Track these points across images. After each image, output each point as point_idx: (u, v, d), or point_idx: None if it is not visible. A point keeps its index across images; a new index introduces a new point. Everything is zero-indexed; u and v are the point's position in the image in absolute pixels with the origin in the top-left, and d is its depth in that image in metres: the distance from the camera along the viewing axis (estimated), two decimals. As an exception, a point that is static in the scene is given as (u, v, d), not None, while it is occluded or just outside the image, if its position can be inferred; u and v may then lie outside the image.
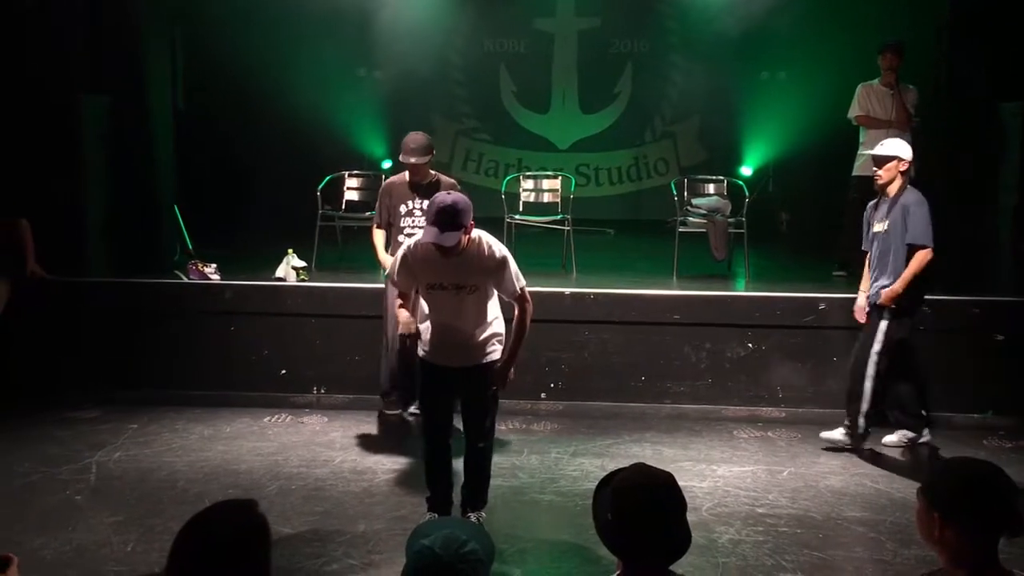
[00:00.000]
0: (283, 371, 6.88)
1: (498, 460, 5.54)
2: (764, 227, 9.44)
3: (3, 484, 5.16)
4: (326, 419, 6.43)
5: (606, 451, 5.88)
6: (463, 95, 11.26)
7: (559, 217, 8.16)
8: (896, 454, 5.87)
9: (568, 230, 8.04)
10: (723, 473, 5.52)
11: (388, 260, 6.06)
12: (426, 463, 4.66)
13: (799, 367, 6.76)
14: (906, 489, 5.12)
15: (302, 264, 7.26)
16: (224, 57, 9.39)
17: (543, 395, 6.82)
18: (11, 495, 5.02)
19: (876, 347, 5.69)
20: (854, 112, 7.93)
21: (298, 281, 7.14)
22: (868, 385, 5.70)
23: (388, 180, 6.40)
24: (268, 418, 6.44)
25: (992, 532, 2.29)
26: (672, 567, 2.24)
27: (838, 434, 5.85)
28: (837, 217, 8.34)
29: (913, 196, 5.72)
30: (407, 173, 6.19)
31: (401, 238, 6.19)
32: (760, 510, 4.95)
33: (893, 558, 4.39)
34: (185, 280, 7.29)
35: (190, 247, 8.33)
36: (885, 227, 5.70)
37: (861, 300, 5.89)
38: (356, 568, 4.24)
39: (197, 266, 7.29)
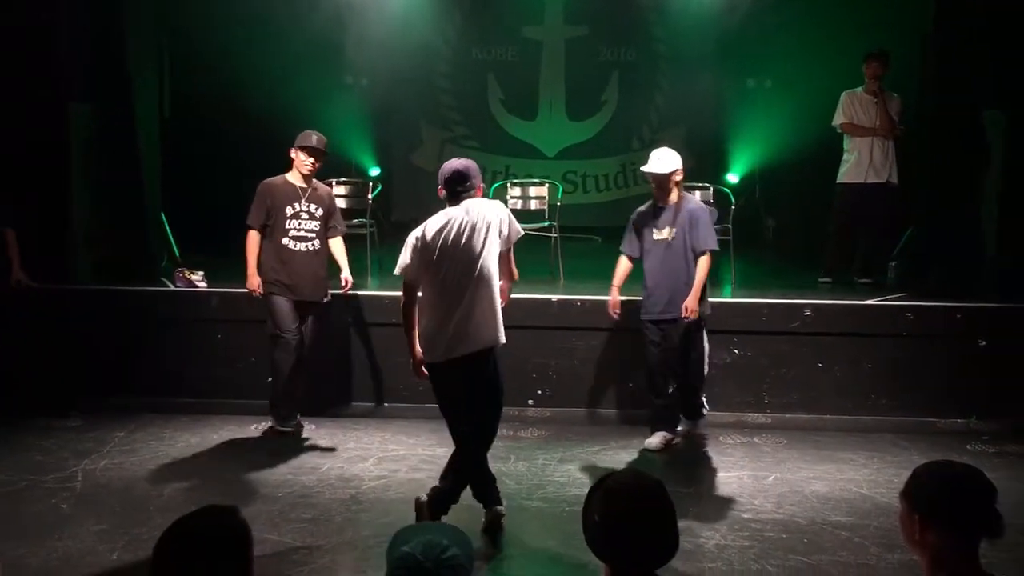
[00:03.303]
0: (269, 379, 6.85)
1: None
2: (750, 234, 9.49)
3: (-12, 493, 5.15)
4: (313, 426, 6.42)
5: (593, 457, 5.91)
6: (451, 102, 11.28)
7: (546, 224, 8.19)
8: (855, 458, 5.90)
9: (555, 237, 8.07)
10: (709, 479, 5.55)
11: (255, 272, 6.04)
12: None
13: (785, 373, 6.80)
14: (890, 494, 5.15)
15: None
16: (211, 64, 9.38)
17: (530, 402, 6.84)
18: (-4, 504, 5.01)
19: (706, 370, 6.08)
20: (839, 120, 8.00)
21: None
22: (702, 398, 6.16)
23: (267, 180, 6.20)
24: (254, 425, 6.43)
25: (972, 534, 2.31)
26: (658, 572, 2.25)
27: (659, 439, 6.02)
28: (822, 224, 8.41)
29: (696, 203, 6.05)
30: (293, 174, 6.15)
31: (286, 241, 6.13)
32: (746, 515, 4.97)
33: (877, 562, 4.42)
34: (172, 288, 7.29)
35: (177, 254, 8.33)
36: (671, 234, 5.84)
37: (611, 301, 6.09)
38: (344, 575, 4.25)
39: (184, 274, 7.29)
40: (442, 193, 4.63)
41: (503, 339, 4.61)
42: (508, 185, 8.83)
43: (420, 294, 4.66)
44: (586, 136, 11.24)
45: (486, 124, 11.24)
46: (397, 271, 4.60)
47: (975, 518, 2.29)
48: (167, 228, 8.48)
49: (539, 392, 6.84)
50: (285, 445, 6.07)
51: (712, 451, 6.07)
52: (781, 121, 9.65)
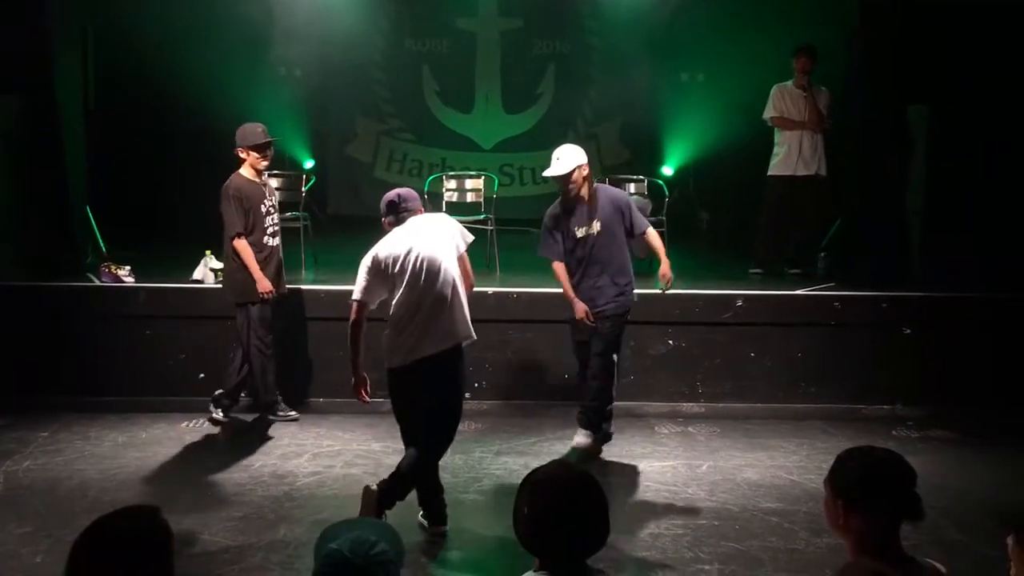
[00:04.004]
0: (201, 375, 6.73)
1: (421, 461, 5.55)
2: (684, 226, 9.60)
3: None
4: (246, 423, 6.33)
5: (530, 449, 5.92)
6: (385, 94, 11.16)
7: (482, 217, 8.17)
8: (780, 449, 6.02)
9: (491, 230, 8.06)
10: (644, 468, 5.61)
11: (263, 275, 5.99)
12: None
13: (718, 363, 6.90)
14: (819, 480, 5.17)
15: (220, 265, 7.09)
16: (138, 55, 9.16)
17: (467, 395, 6.77)
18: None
19: (616, 356, 5.68)
20: (769, 113, 8.13)
21: (216, 283, 7.00)
22: (615, 385, 5.73)
23: (233, 183, 6.04)
24: (186, 423, 6.31)
25: (893, 518, 2.37)
26: (591, 562, 2.26)
27: (584, 437, 5.72)
28: (755, 216, 8.55)
29: (612, 190, 5.87)
30: (248, 170, 6.08)
31: (267, 239, 6.14)
32: (679, 504, 5.04)
33: (805, 547, 4.52)
34: (98, 283, 7.09)
35: (103, 249, 8.11)
36: (597, 228, 5.55)
37: (581, 306, 5.58)
38: (275, 573, 4.19)
39: (110, 268, 7.10)
40: (387, 223, 4.70)
41: (474, 335, 4.69)
42: (444, 178, 8.78)
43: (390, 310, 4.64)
44: (522, 129, 11.23)
45: (422, 116, 11.16)
46: (356, 296, 4.55)
47: (895, 502, 2.35)
48: (92, 222, 8.25)
49: (475, 385, 6.82)
50: (218, 443, 5.97)
51: (647, 440, 6.13)
52: (714, 114, 9.78)
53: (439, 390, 4.59)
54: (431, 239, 4.58)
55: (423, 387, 4.55)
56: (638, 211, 5.80)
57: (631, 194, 8.56)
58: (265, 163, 6.14)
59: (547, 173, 5.65)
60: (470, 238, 4.78)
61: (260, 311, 6.11)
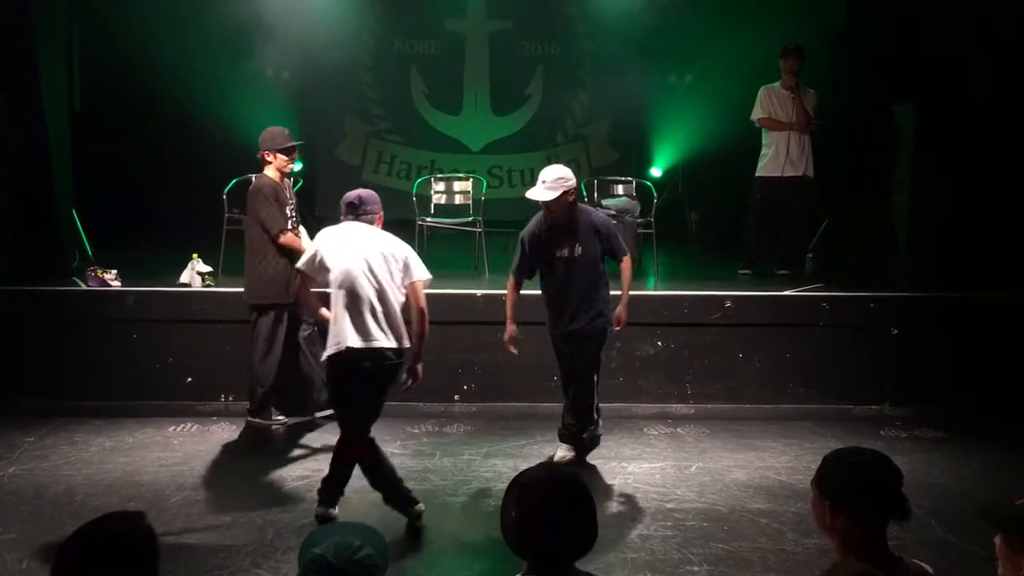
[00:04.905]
0: (189, 379, 6.71)
1: (410, 463, 5.56)
2: (673, 227, 9.62)
3: None
4: (234, 427, 6.30)
5: (519, 452, 5.91)
6: (374, 96, 11.15)
7: (471, 219, 8.16)
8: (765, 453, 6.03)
9: (480, 232, 8.05)
10: (633, 470, 5.61)
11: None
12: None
13: (707, 364, 6.90)
14: (807, 480, 5.20)
15: (208, 269, 7.09)
16: (124, 55, 9.10)
17: (456, 397, 6.81)
18: None
19: (597, 376, 5.66)
20: (757, 114, 8.15)
21: (203, 286, 6.98)
22: (596, 401, 5.69)
23: (265, 183, 6.09)
24: (173, 427, 6.28)
25: (879, 518, 2.37)
26: (580, 564, 2.25)
27: (566, 451, 5.67)
28: (742, 217, 8.57)
29: (594, 213, 5.66)
30: (274, 173, 6.13)
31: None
32: (669, 505, 5.04)
33: (794, 547, 4.52)
34: (84, 287, 7.05)
35: (90, 253, 8.07)
36: (575, 250, 5.42)
37: (510, 331, 5.62)
38: (263, 578, 4.18)
39: (96, 272, 7.05)
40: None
41: (406, 343, 4.72)
42: (432, 180, 8.77)
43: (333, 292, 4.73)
44: (511, 130, 11.22)
45: (410, 118, 11.14)
46: (298, 264, 4.84)
47: (881, 503, 2.35)
48: (79, 225, 8.20)
49: (464, 387, 6.81)
50: (205, 447, 5.94)
51: (636, 442, 6.13)
52: (702, 116, 9.80)
53: (359, 391, 4.67)
54: (370, 245, 4.69)
55: (354, 381, 4.65)
56: (619, 238, 5.62)
57: (619, 195, 8.61)
58: (291, 166, 6.24)
59: (533, 196, 5.37)
60: (424, 275, 4.77)
61: (276, 317, 6.10)
